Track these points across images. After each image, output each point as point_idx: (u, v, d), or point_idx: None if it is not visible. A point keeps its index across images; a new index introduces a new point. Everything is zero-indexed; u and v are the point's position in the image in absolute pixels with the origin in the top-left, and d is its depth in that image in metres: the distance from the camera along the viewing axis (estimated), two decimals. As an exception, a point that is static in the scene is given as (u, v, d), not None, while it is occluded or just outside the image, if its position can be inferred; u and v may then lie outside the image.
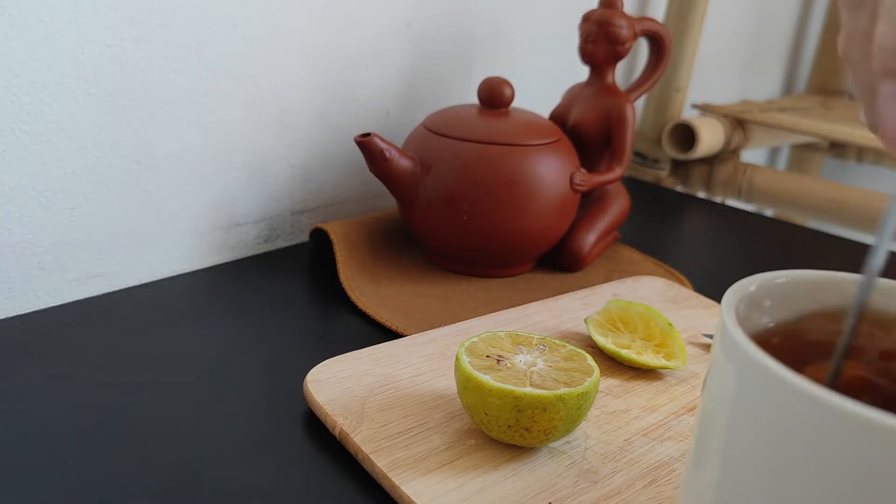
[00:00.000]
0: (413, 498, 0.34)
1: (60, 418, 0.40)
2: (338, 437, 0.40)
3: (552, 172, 0.58)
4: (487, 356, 0.40)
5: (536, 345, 0.41)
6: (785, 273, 0.28)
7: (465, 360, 0.39)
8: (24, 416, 0.40)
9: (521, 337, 0.42)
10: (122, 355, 0.47)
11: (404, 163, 0.58)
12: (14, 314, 0.50)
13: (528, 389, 0.37)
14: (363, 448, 0.38)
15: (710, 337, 0.52)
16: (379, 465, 0.37)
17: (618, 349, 0.47)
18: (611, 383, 0.46)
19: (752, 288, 0.27)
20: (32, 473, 0.36)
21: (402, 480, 0.36)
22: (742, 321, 0.26)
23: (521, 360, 0.40)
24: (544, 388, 0.37)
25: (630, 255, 0.69)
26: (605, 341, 0.48)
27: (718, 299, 0.57)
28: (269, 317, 0.53)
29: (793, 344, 0.28)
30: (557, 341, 0.42)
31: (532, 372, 0.39)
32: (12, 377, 0.43)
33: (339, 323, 0.53)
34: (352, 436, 0.39)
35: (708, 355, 0.50)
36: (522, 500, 0.35)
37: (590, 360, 0.40)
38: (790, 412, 0.21)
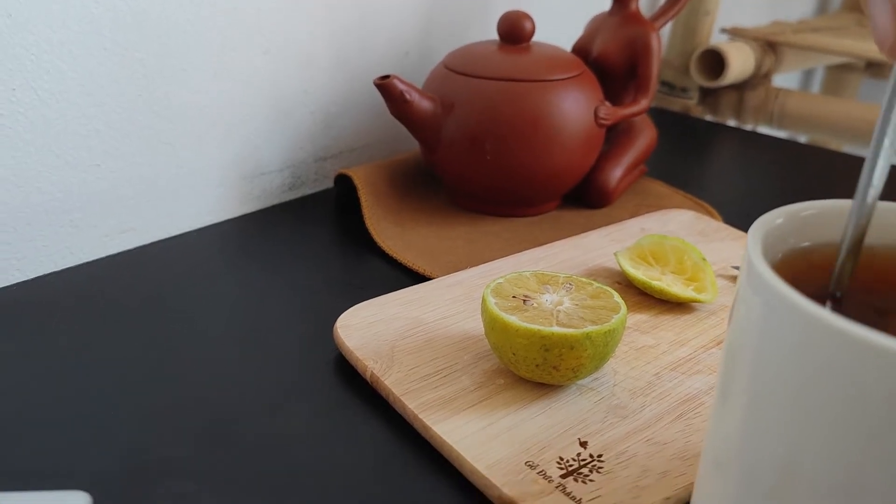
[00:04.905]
0: (444, 437, 0.35)
1: (96, 372, 0.41)
2: (369, 381, 0.40)
3: (576, 107, 0.57)
4: (513, 297, 0.40)
5: (563, 283, 0.41)
6: (813, 204, 0.27)
7: (491, 301, 0.39)
8: (63, 372, 0.41)
9: (547, 276, 0.42)
10: (155, 308, 0.48)
11: (425, 104, 0.57)
12: (50, 271, 0.51)
13: (555, 329, 0.37)
14: (394, 391, 0.38)
15: (739, 269, 0.52)
16: (410, 406, 0.37)
17: (649, 280, 0.47)
18: (639, 319, 0.46)
19: (779, 220, 0.26)
20: (71, 425, 0.37)
21: (433, 421, 0.36)
22: (768, 253, 0.25)
23: (548, 299, 0.40)
24: (571, 327, 0.37)
25: (658, 188, 0.68)
26: (637, 272, 0.48)
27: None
28: (296, 264, 0.54)
29: (818, 274, 0.27)
30: (584, 279, 0.42)
31: (559, 311, 0.39)
32: (49, 333, 0.45)
33: (366, 268, 0.54)
34: (382, 379, 0.39)
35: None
36: (552, 437, 0.36)
37: (616, 297, 0.40)
38: (816, 345, 0.21)
